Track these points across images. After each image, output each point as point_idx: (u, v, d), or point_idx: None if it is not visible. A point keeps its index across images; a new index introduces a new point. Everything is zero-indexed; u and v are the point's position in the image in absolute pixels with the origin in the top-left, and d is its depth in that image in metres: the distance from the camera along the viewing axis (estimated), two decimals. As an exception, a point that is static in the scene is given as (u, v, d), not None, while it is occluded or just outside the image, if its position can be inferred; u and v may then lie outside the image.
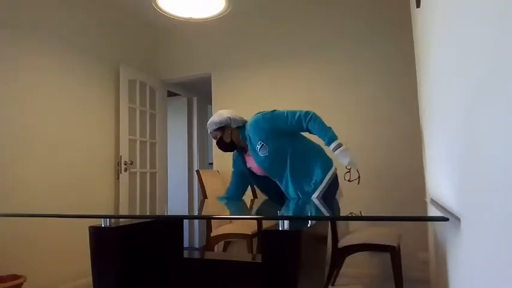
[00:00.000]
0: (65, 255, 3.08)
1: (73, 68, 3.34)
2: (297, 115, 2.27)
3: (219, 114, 2.44)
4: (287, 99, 3.79)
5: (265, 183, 2.49)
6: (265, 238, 1.36)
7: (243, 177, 2.52)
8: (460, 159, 0.84)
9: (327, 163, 2.32)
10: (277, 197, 2.47)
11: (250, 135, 2.33)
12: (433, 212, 1.27)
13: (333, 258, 2.61)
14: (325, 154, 2.37)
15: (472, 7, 0.65)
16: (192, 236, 5.30)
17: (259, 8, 3.98)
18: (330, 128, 2.23)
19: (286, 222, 1.35)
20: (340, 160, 2.15)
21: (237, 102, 4.03)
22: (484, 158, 0.60)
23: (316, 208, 1.77)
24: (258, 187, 2.66)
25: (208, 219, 3.20)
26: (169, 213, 2.08)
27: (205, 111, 5.72)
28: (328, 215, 1.65)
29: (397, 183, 3.27)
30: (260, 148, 2.29)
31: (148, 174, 4.10)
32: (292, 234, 1.33)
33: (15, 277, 2.53)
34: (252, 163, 2.44)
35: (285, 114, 2.32)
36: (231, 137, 2.39)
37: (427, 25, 1.56)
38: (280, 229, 1.35)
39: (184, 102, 5.47)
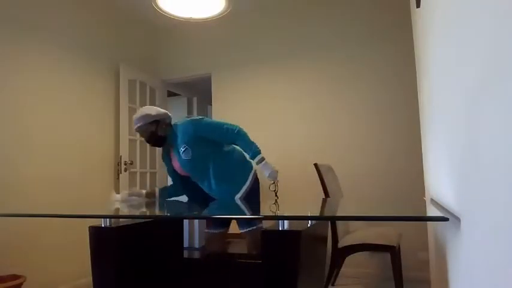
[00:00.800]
0: (65, 255, 3.08)
1: (73, 67, 3.34)
2: (224, 128, 2.34)
3: (152, 108, 2.40)
4: (287, 99, 3.79)
5: (186, 183, 2.53)
6: (265, 238, 1.36)
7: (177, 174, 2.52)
8: (460, 159, 0.84)
9: (248, 166, 2.46)
10: (198, 197, 2.55)
11: (178, 136, 2.34)
12: (433, 212, 1.27)
13: (333, 258, 2.61)
14: (245, 157, 2.46)
15: (472, 7, 0.65)
16: (192, 236, 5.29)
17: (259, 8, 3.98)
18: (253, 142, 2.34)
19: (286, 222, 1.35)
20: (263, 172, 2.31)
21: (237, 102, 4.03)
22: (484, 158, 0.60)
23: (239, 208, 1.84)
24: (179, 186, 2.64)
25: (208, 219, 3.20)
26: (169, 213, 2.08)
27: (205, 111, 5.72)
28: (248, 214, 1.67)
29: (397, 183, 3.27)
30: (184, 151, 2.31)
31: (148, 174, 4.09)
32: (292, 234, 1.33)
33: (15, 277, 2.53)
34: (175, 162, 2.45)
35: (213, 125, 2.38)
36: (165, 131, 2.37)
37: (427, 25, 1.56)
38: (280, 229, 1.35)
39: (184, 102, 5.47)
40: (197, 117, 2.40)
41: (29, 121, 2.91)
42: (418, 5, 1.93)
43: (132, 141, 3.88)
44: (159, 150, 4.30)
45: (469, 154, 0.73)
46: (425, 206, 1.93)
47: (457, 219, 0.90)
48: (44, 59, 3.07)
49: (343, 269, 3.08)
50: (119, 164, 3.71)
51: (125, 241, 1.69)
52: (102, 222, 1.67)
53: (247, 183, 2.40)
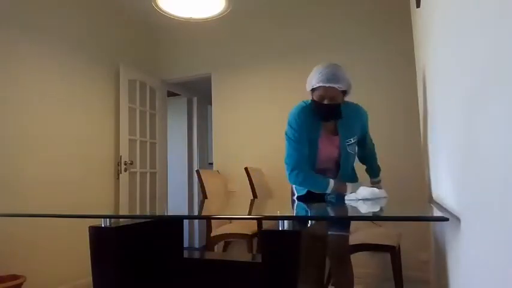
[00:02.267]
0: (65, 255, 3.08)
1: (73, 68, 3.34)
2: (370, 137, 2.16)
3: (347, 78, 1.84)
4: (287, 100, 3.79)
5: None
6: (265, 238, 1.36)
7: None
8: (460, 159, 0.84)
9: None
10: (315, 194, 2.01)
11: (354, 121, 1.93)
12: (433, 212, 1.27)
13: (333, 258, 2.60)
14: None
15: (471, 7, 0.65)
16: (192, 236, 5.30)
17: (259, 8, 3.98)
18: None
19: (286, 222, 1.35)
20: (377, 192, 1.86)
21: (237, 102, 4.03)
22: (484, 158, 0.60)
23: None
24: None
25: (208, 219, 3.20)
26: (169, 213, 2.08)
27: (205, 111, 5.72)
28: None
29: (397, 183, 3.27)
30: (352, 143, 1.94)
31: (148, 174, 4.10)
32: (292, 234, 1.33)
33: (15, 277, 2.53)
34: (325, 146, 1.95)
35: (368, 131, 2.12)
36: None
37: (427, 25, 1.56)
38: (280, 229, 1.35)
39: (184, 102, 5.47)
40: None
41: (29, 121, 2.91)
42: (418, 5, 1.93)
43: (132, 141, 3.88)
44: (159, 151, 4.31)
45: (469, 154, 0.73)
46: (425, 206, 1.93)
47: (457, 219, 0.90)
48: (43, 59, 3.07)
49: (343, 269, 3.07)
50: (119, 164, 3.71)
51: (125, 241, 1.69)
52: (102, 222, 1.67)
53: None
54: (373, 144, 2.19)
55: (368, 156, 2.15)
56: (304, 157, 1.88)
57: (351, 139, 1.93)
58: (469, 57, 0.69)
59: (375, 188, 1.80)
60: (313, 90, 1.84)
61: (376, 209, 1.53)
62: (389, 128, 3.36)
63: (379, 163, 2.26)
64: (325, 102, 1.80)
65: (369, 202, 1.69)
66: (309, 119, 1.88)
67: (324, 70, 1.81)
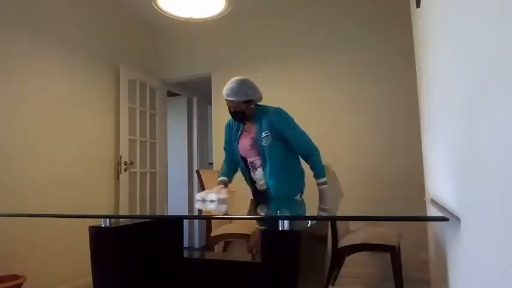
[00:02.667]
0: (65, 255, 3.08)
1: (73, 68, 3.34)
2: (309, 144, 2.33)
3: (251, 86, 2.29)
4: (287, 100, 3.79)
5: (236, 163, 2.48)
6: (265, 238, 1.36)
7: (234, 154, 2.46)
8: (460, 159, 0.84)
9: (302, 183, 2.40)
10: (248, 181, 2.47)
11: (267, 119, 2.28)
12: (433, 212, 1.27)
13: (333, 258, 2.61)
14: (303, 173, 2.41)
15: (471, 7, 0.65)
16: (192, 236, 5.30)
17: (259, 8, 3.98)
18: (324, 167, 2.34)
19: (286, 222, 1.35)
20: (325, 194, 2.28)
21: (237, 102, 4.02)
22: (484, 158, 0.60)
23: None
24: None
25: (208, 219, 3.20)
26: (169, 213, 2.07)
27: (205, 111, 5.72)
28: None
29: (397, 183, 3.27)
30: (265, 136, 2.28)
31: (148, 174, 4.10)
32: (292, 234, 1.33)
33: (15, 277, 2.53)
34: (243, 142, 2.39)
35: (301, 132, 2.34)
36: (251, 111, 2.31)
37: (427, 25, 1.56)
38: (280, 229, 1.35)
39: (184, 102, 5.47)
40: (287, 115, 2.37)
41: (29, 121, 2.91)
42: (418, 5, 1.93)
43: (132, 141, 3.88)
44: (159, 151, 4.30)
45: (469, 154, 0.73)
46: (425, 206, 1.93)
47: (457, 219, 0.90)
48: (43, 59, 3.07)
49: (343, 269, 3.08)
50: (119, 164, 3.71)
51: (125, 241, 1.69)
52: (102, 222, 1.67)
53: (298, 196, 2.36)
54: (310, 147, 2.33)
55: (304, 155, 2.36)
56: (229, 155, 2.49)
57: (263, 133, 2.30)
58: (469, 57, 0.69)
59: (211, 192, 2.23)
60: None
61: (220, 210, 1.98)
62: (389, 128, 3.36)
63: (325, 167, 2.37)
64: (232, 110, 2.32)
65: (210, 204, 2.05)
66: (233, 122, 2.47)
67: (227, 86, 2.28)
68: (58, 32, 3.22)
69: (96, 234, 1.65)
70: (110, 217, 1.72)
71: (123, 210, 3.65)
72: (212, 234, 3.16)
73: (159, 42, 4.50)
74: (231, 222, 3.36)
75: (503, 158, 0.49)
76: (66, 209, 3.11)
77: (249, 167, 2.42)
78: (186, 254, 2.04)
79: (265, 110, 2.35)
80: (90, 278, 1.69)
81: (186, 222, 5.14)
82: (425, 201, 2.50)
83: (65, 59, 3.27)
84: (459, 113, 0.83)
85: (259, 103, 2.38)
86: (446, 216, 0.96)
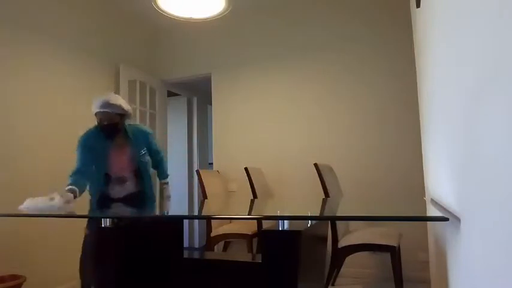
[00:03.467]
0: (65, 255, 3.08)
1: (73, 68, 3.34)
2: (161, 154, 2.71)
3: (124, 102, 2.43)
4: (287, 99, 3.79)
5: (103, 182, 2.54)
6: (265, 238, 1.36)
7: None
8: (460, 159, 0.84)
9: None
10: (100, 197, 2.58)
11: (140, 137, 2.51)
12: (433, 212, 1.27)
13: (333, 258, 2.61)
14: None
15: (471, 7, 0.65)
16: (192, 236, 5.30)
17: (259, 8, 3.98)
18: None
19: (286, 222, 1.35)
20: (166, 191, 2.76)
21: (236, 102, 4.03)
22: (484, 158, 0.60)
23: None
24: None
25: (208, 219, 3.20)
26: (169, 213, 2.08)
27: (205, 111, 5.72)
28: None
29: (397, 183, 3.27)
30: (144, 153, 2.54)
31: (148, 174, 4.09)
32: (292, 234, 1.33)
33: (15, 277, 2.53)
34: (116, 159, 2.47)
35: (158, 148, 2.71)
36: (122, 126, 2.43)
37: (427, 25, 1.56)
38: (280, 229, 1.35)
39: (184, 102, 5.47)
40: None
41: (29, 121, 2.91)
42: (418, 5, 1.93)
43: (132, 141, 3.88)
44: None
45: (469, 154, 0.73)
46: (425, 206, 1.93)
47: (457, 219, 0.90)
48: (43, 59, 3.07)
49: (343, 269, 3.08)
50: (119, 164, 3.71)
51: (125, 241, 1.69)
52: (102, 222, 1.67)
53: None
54: (161, 156, 2.73)
55: (156, 162, 2.70)
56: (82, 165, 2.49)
57: (142, 151, 2.49)
58: (469, 56, 0.69)
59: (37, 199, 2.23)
60: (96, 115, 2.37)
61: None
62: (389, 127, 3.36)
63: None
64: (105, 123, 2.33)
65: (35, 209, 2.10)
66: (96, 139, 2.42)
67: (99, 99, 2.33)
68: (58, 33, 3.22)
69: (96, 234, 1.64)
70: (110, 217, 1.72)
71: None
72: (212, 234, 3.17)
73: (159, 42, 4.50)
74: (231, 222, 3.36)
75: (504, 158, 0.49)
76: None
77: (112, 181, 2.51)
78: (186, 254, 2.04)
79: (138, 128, 2.58)
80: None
81: (186, 222, 5.14)
82: (425, 201, 2.50)
83: (65, 59, 3.27)
84: (459, 113, 0.83)
85: (129, 122, 2.55)
86: (446, 216, 0.96)
